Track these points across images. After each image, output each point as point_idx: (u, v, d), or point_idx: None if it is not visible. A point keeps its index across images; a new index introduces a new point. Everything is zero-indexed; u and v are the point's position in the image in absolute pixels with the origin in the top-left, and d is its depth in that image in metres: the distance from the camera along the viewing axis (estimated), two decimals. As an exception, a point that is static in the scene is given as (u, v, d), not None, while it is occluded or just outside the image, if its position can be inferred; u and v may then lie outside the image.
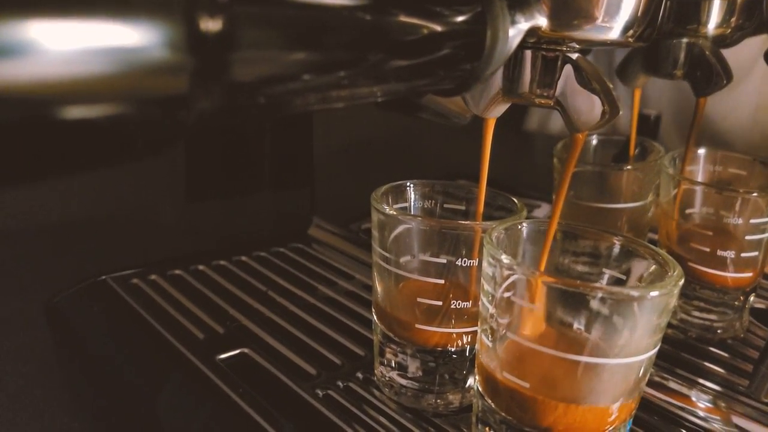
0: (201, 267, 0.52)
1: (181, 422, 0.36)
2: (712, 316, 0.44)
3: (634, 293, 0.27)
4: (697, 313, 0.44)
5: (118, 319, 0.45)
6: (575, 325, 0.28)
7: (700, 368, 0.41)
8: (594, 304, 0.26)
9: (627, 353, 0.27)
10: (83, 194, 0.61)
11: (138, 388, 0.39)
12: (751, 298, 0.43)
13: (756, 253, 0.41)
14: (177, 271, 0.51)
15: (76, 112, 0.14)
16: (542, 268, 0.30)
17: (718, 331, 0.44)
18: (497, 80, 0.31)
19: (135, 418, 0.39)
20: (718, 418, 0.37)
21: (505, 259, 0.28)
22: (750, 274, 0.42)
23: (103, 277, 0.49)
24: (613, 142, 0.50)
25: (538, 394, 0.28)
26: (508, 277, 0.28)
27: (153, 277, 0.49)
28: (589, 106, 0.29)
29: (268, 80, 0.18)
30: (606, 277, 0.31)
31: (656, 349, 0.28)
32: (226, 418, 0.35)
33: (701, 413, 0.37)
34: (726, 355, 0.42)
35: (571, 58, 0.29)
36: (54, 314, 0.46)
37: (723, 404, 0.38)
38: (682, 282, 0.27)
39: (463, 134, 0.55)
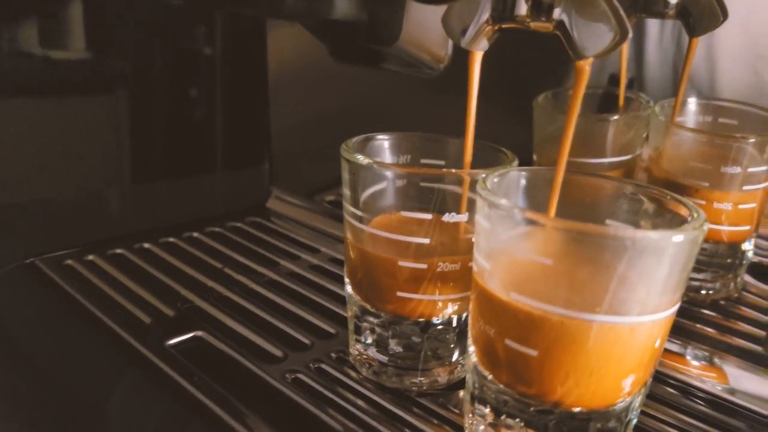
0: (146, 245, 0.46)
1: (128, 419, 0.31)
2: (704, 276, 0.41)
3: (659, 237, 0.23)
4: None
5: (49, 306, 0.39)
6: (587, 281, 0.24)
7: (693, 331, 0.38)
8: (612, 253, 0.22)
9: (645, 311, 0.24)
10: (18, 175, 0.54)
11: (76, 383, 0.34)
12: (749, 254, 0.41)
13: (753, 205, 0.39)
14: (118, 251, 0.45)
15: None
16: (551, 213, 0.26)
17: (710, 291, 0.41)
18: (486, 4, 0.27)
19: (75, 418, 0.33)
20: (714, 375, 0.34)
21: (506, 204, 0.23)
22: (747, 228, 0.40)
23: (31, 259, 0.42)
24: (597, 95, 0.47)
25: (547, 362, 0.24)
26: (511, 226, 0.23)
27: (90, 257, 0.43)
28: (594, 28, 0.25)
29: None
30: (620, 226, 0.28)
31: (676, 308, 0.25)
32: (180, 411, 0.30)
33: (695, 371, 0.35)
34: (719, 316, 0.40)
35: (572, -27, 0.25)
36: (-27, 304, 0.40)
37: (718, 361, 0.35)
38: (707, 227, 0.24)
39: (433, 103, 0.51)
